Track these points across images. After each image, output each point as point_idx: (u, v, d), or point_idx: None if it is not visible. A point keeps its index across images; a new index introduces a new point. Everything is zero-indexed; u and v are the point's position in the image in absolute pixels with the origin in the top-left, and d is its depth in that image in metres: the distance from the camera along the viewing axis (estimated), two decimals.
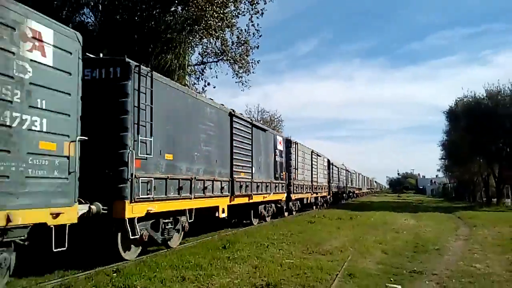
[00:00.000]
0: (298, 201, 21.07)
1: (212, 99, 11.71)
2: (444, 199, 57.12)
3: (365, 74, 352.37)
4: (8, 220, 4.86)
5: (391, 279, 6.84)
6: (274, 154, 16.58)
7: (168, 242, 9.12)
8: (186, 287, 5.93)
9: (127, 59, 7.48)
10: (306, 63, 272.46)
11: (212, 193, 10.53)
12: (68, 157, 5.80)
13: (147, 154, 7.71)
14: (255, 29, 20.23)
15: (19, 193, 5.03)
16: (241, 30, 20.17)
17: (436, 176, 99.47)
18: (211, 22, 17.03)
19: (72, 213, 5.89)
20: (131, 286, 5.84)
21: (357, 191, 53.44)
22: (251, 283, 6.24)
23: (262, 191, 14.55)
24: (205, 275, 6.59)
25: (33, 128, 5.30)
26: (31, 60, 5.30)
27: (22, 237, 5.29)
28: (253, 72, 22.53)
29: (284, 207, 18.53)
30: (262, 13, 19.63)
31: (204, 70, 22.50)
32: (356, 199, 49.38)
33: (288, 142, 19.39)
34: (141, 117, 7.56)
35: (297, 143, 20.77)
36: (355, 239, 11.60)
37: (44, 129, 5.45)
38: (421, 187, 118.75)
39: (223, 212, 11.29)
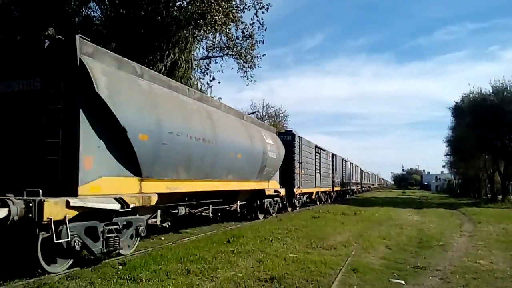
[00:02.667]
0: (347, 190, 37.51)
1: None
2: (449, 195, 56.88)
3: (371, 69, 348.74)
4: None
5: (395, 274, 6.87)
6: (337, 167, 31.10)
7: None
8: (190, 280, 5.98)
9: (334, 152, 26.74)
10: (311, 58, 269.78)
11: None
12: None
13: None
14: (260, 24, 20.24)
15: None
16: (246, 24, 20.18)
17: (441, 172, 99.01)
18: (216, 16, 17.01)
19: None
20: (137, 278, 5.89)
21: (372, 186, 75.87)
22: (255, 276, 6.29)
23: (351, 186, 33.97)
24: (209, 268, 6.65)
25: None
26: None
27: None
28: (258, 67, 22.62)
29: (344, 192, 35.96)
30: (267, 8, 19.61)
31: (210, 65, 22.62)
32: (361, 195, 49.48)
33: (358, 167, 38.05)
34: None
35: (354, 164, 39.86)
36: (359, 234, 11.63)
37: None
38: (426, 183, 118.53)
39: (335, 192, 27.84)
